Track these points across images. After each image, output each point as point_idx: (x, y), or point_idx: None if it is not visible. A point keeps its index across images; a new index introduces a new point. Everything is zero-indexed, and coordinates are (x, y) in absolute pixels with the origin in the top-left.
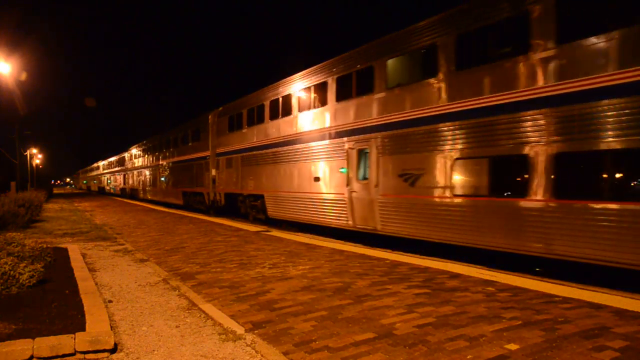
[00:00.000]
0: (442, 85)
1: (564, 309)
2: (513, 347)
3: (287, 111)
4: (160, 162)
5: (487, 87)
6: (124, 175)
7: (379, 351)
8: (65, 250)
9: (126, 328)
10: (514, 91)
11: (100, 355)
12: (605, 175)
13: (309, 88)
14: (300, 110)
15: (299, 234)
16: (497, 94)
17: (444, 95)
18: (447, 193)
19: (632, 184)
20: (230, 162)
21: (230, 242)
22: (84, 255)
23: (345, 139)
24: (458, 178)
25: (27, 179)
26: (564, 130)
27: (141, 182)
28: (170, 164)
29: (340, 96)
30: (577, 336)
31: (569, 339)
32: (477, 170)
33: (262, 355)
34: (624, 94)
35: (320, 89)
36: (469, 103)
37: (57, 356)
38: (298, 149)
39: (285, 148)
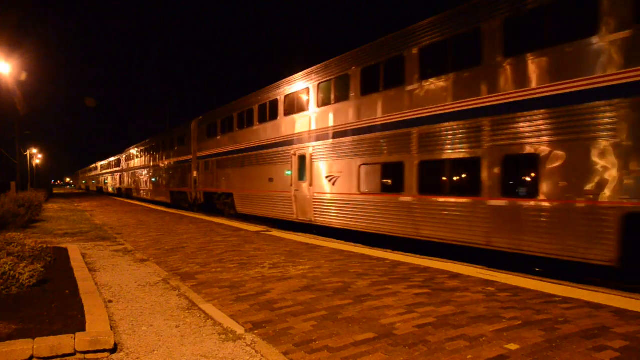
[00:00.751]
0: (352, 106)
1: (564, 309)
2: (513, 347)
3: (250, 122)
4: (151, 164)
5: (380, 108)
6: (120, 176)
7: (379, 351)
8: (65, 250)
9: (126, 328)
10: (395, 114)
11: (100, 355)
12: (444, 178)
13: (265, 104)
14: (260, 122)
15: (299, 234)
16: (385, 115)
17: (352, 114)
18: (356, 191)
19: (461, 183)
20: (208, 165)
21: (230, 242)
22: (84, 255)
23: (290, 147)
24: (362, 179)
25: (27, 179)
26: (423, 145)
27: (135, 183)
28: (160, 166)
29: (287, 111)
30: (577, 336)
31: (569, 339)
32: (374, 173)
33: (262, 355)
34: (455, 119)
35: (274, 104)
36: (367, 121)
37: (57, 356)
38: (258, 154)
39: (249, 153)
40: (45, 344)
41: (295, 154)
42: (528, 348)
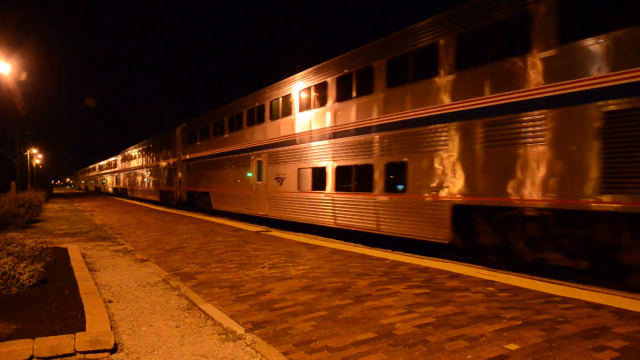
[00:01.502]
0: (293, 121)
1: (564, 309)
2: (513, 347)
3: (222, 131)
4: (143, 166)
5: (310, 124)
6: (116, 177)
7: (379, 351)
8: (65, 250)
9: (126, 328)
10: (320, 129)
11: (100, 355)
12: (351, 179)
13: (233, 116)
14: (229, 131)
15: (299, 234)
16: (313, 129)
17: (293, 127)
18: (296, 190)
19: (362, 183)
20: (190, 168)
21: (230, 242)
22: (84, 255)
23: (251, 153)
24: (300, 180)
25: (27, 179)
26: (338, 154)
27: (129, 183)
28: (150, 168)
29: (249, 123)
30: (577, 336)
31: (569, 339)
32: (307, 175)
33: (262, 355)
34: (357, 134)
35: (239, 117)
36: (301, 134)
37: (57, 356)
38: (228, 159)
39: (221, 158)
40: (45, 344)
41: (254, 159)
42: (528, 348)
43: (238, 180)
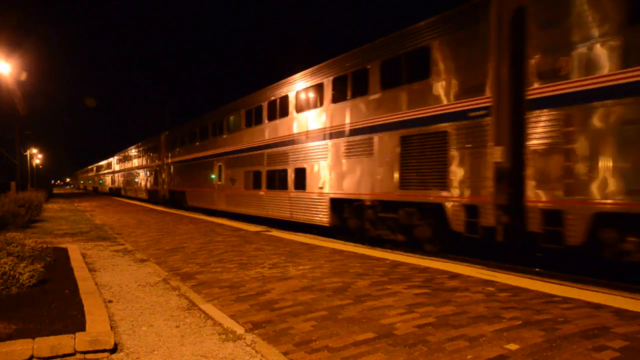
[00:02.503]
0: (240, 135)
1: (564, 309)
2: (513, 347)
3: (194, 140)
4: (134, 167)
5: (252, 137)
6: (111, 177)
7: (379, 351)
8: (65, 250)
9: (126, 328)
10: (257, 141)
11: (100, 355)
12: (276, 180)
13: (203, 126)
14: (200, 140)
15: (299, 234)
16: (253, 142)
17: (240, 140)
18: (243, 188)
19: (282, 183)
20: (170, 169)
21: (230, 242)
22: (84, 255)
23: (214, 159)
24: (246, 181)
25: (27, 179)
26: (268, 161)
27: (122, 183)
28: (140, 169)
29: (213, 134)
30: (577, 336)
31: (569, 339)
32: (250, 177)
33: (262, 355)
34: (277, 147)
35: (206, 128)
36: (247, 144)
37: (57, 356)
38: (198, 163)
39: (194, 162)
40: (45, 344)
41: (216, 164)
42: (528, 348)
43: (205, 181)
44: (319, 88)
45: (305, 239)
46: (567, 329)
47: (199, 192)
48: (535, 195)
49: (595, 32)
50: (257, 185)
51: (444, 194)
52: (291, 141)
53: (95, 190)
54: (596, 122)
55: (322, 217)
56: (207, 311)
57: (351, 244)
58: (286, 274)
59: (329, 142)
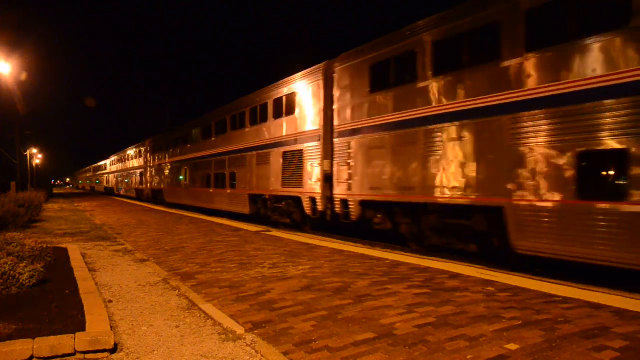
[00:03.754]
0: (201, 144)
1: (564, 309)
2: (513, 347)
3: (169, 147)
4: (125, 169)
5: (203, 148)
6: (106, 178)
7: (379, 351)
8: (65, 250)
9: (126, 328)
10: (205, 151)
11: (100, 355)
12: (220, 180)
13: (176, 137)
14: (173, 147)
15: (299, 234)
16: (200, 152)
17: (202, 149)
18: (200, 187)
19: (224, 183)
20: (152, 171)
21: (230, 242)
22: (84, 255)
23: (182, 163)
24: (202, 181)
25: (27, 179)
26: (215, 166)
27: (115, 183)
28: (129, 171)
29: (183, 143)
30: (577, 336)
31: (569, 339)
32: (204, 178)
33: (262, 355)
34: (218, 156)
35: (177, 139)
36: (199, 154)
37: (57, 356)
38: (172, 166)
39: (169, 166)
40: (45, 344)
41: (183, 167)
42: (528, 348)
43: (177, 182)
44: (242, 114)
45: (305, 239)
46: (567, 329)
47: (173, 190)
48: (338, 190)
49: (357, 97)
50: (208, 185)
51: (301, 190)
52: (228, 152)
53: (93, 190)
54: (358, 147)
55: (244, 208)
56: (207, 311)
57: (351, 244)
58: (286, 274)
59: (247, 154)
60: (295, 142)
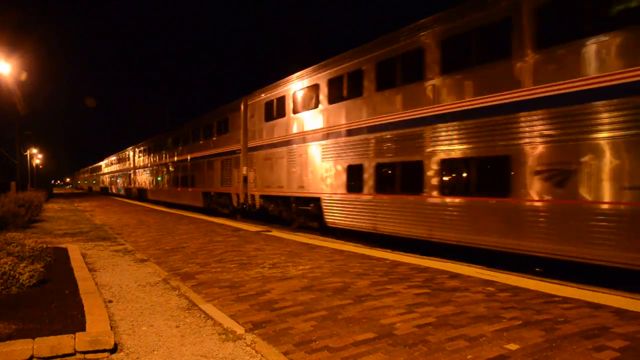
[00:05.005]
0: (169, 152)
1: (564, 309)
2: (513, 347)
3: (150, 152)
4: (117, 171)
5: (169, 155)
6: (101, 178)
7: (379, 351)
8: (65, 250)
9: (126, 328)
10: (174, 158)
11: (100, 355)
12: (184, 180)
13: (156, 144)
14: (155, 152)
15: (299, 234)
16: (174, 157)
17: (171, 154)
18: (173, 186)
19: (185, 182)
20: (137, 173)
21: (230, 242)
22: (84, 255)
23: (161, 166)
24: (174, 181)
25: (27, 179)
26: (177, 169)
27: (109, 183)
28: (120, 172)
29: (160, 150)
30: (577, 336)
31: (569, 339)
32: (173, 179)
33: (262, 355)
34: (179, 163)
35: (157, 145)
36: (172, 159)
37: (57, 356)
38: (152, 169)
39: (150, 168)
40: (45, 344)
41: (160, 170)
42: (528, 348)
43: (156, 182)
44: (198, 130)
45: (305, 239)
46: (567, 329)
47: (153, 189)
48: (251, 188)
49: (258, 124)
50: (176, 185)
51: (231, 189)
52: (190, 159)
53: (90, 190)
54: (259, 159)
55: (199, 202)
56: (207, 311)
57: (351, 244)
58: (286, 274)
59: (202, 160)
60: (228, 153)
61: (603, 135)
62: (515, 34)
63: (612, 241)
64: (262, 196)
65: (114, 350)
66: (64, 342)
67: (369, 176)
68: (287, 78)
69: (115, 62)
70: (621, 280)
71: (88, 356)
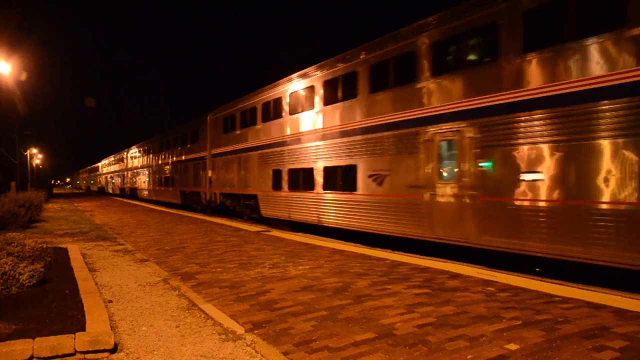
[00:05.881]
0: (153, 157)
1: (564, 309)
2: (513, 347)
3: (139, 156)
4: (111, 172)
5: (158, 159)
6: (98, 179)
7: (379, 351)
8: (65, 250)
9: (126, 328)
10: (153, 162)
11: (100, 355)
12: (163, 180)
13: (142, 149)
14: (141, 156)
15: (299, 234)
16: (157, 162)
17: (154, 159)
18: (158, 186)
19: (166, 182)
20: (131, 174)
21: (230, 242)
22: (84, 255)
23: (145, 169)
24: (158, 181)
25: (27, 179)
26: (157, 173)
27: (105, 183)
28: (114, 173)
29: (144, 154)
30: (577, 336)
31: (569, 339)
32: (157, 180)
33: (262, 355)
34: (147, 167)
35: (143, 150)
36: (155, 163)
37: (57, 356)
38: (139, 171)
39: (138, 170)
40: (45, 344)
41: (146, 171)
42: (528, 348)
43: (144, 182)
44: (177, 138)
45: (305, 239)
46: (567, 329)
47: (142, 189)
48: (214, 188)
49: (218, 135)
50: (161, 185)
51: (201, 188)
52: (169, 163)
53: (88, 189)
54: (219, 163)
55: (178, 200)
56: (207, 311)
57: (351, 244)
58: (286, 274)
59: (179, 164)
60: (198, 159)
61: (395, 154)
62: (357, 84)
63: (403, 219)
64: (221, 194)
65: (114, 350)
66: (64, 342)
67: (285, 178)
68: (237, 100)
69: (116, 62)
70: (621, 280)
71: (88, 356)
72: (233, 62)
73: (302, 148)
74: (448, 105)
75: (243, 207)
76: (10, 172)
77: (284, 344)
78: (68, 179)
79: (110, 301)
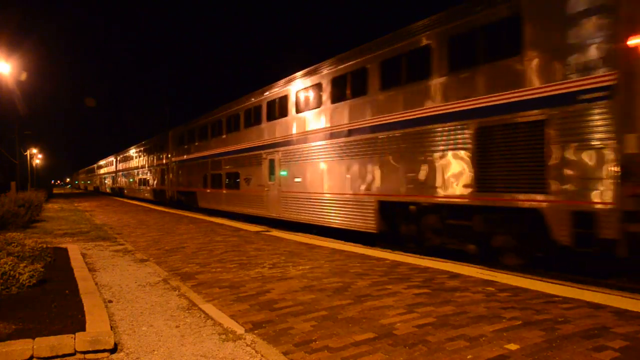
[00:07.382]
0: (139, 161)
1: (564, 309)
2: (513, 347)
3: (126, 159)
4: (106, 173)
5: (144, 162)
6: (94, 179)
7: (379, 351)
8: (65, 250)
9: (126, 328)
10: (141, 165)
11: (100, 355)
12: (147, 181)
13: (131, 153)
14: (128, 160)
15: (299, 234)
16: (141, 165)
17: (141, 163)
18: (143, 186)
19: (148, 183)
20: (119, 175)
21: (230, 242)
22: (84, 255)
23: (136, 170)
24: (143, 182)
25: (27, 179)
26: (140, 175)
27: (99, 183)
28: (108, 174)
29: (130, 157)
30: (577, 336)
31: (569, 339)
32: (140, 181)
33: (262, 355)
34: (131, 170)
35: (131, 153)
36: (142, 166)
37: (57, 356)
38: (126, 172)
39: (125, 172)
40: (45, 344)
41: (131, 173)
42: (528, 348)
43: (131, 182)
44: (150, 147)
45: (305, 239)
46: (567, 329)
47: (128, 188)
48: (173, 186)
49: (178, 146)
50: (140, 184)
51: (165, 187)
52: (145, 167)
53: (86, 189)
54: (176, 167)
55: (151, 197)
56: (207, 311)
57: (351, 244)
58: (286, 274)
59: (151, 168)
60: (164, 164)
61: (248, 166)
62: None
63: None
64: (177, 191)
65: (114, 350)
66: (64, 342)
67: (210, 179)
68: (189, 121)
69: (115, 62)
70: (621, 280)
71: (88, 356)
72: (233, 62)
73: (211, 160)
74: (272, 139)
75: (190, 201)
76: (10, 172)
77: (284, 344)
78: (68, 179)
79: (110, 301)
